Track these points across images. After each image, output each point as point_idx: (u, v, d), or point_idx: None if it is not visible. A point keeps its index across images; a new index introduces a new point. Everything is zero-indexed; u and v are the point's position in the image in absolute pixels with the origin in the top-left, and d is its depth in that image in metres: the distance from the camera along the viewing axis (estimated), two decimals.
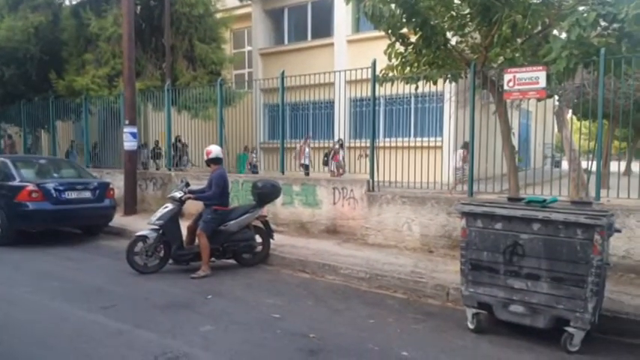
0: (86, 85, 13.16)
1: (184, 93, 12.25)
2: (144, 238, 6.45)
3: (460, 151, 10.44)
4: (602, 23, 6.49)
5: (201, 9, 14.58)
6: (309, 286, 5.93)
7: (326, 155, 13.03)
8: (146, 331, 4.34)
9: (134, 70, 10.84)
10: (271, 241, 6.99)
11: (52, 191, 8.23)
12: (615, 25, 6.42)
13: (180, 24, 14.53)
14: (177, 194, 6.61)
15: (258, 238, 6.95)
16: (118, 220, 9.79)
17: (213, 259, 6.58)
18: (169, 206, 6.59)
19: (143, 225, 7.63)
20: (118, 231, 9.27)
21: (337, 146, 12.81)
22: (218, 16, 16.22)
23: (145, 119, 15.42)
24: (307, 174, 12.30)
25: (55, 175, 9.28)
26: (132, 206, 10.82)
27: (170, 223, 6.46)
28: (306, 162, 12.77)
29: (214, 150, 6.78)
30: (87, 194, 8.71)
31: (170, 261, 6.55)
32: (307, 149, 12.73)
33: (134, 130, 10.84)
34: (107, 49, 13.83)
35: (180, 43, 14.67)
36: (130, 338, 4.17)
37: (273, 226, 7.28)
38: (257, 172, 13.62)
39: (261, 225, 6.97)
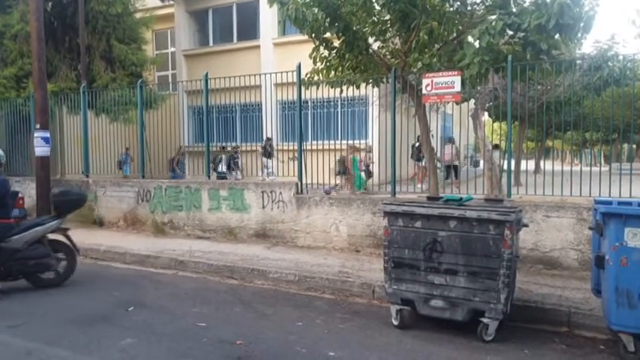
0: None
1: (102, 95, 11.62)
2: None
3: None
4: (509, 32, 6.97)
5: (119, 8, 13.90)
6: (237, 292, 5.84)
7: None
8: None
9: (45, 71, 10.09)
10: (189, 248, 6.61)
11: None
12: (520, 34, 6.92)
13: (96, 23, 13.77)
14: None
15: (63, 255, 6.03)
16: None
17: None
18: None
19: None
20: None
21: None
22: (138, 15, 15.55)
23: (60, 123, 14.44)
24: (448, 177, 11.13)
25: None
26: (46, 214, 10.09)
27: None
28: (455, 162, 11.53)
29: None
30: None
31: None
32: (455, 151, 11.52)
33: (46, 134, 10.09)
34: (14, 48, 12.86)
35: (97, 43, 13.90)
36: None
37: (199, 232, 7.05)
38: (372, 176, 11.57)
39: (64, 239, 6.08)
